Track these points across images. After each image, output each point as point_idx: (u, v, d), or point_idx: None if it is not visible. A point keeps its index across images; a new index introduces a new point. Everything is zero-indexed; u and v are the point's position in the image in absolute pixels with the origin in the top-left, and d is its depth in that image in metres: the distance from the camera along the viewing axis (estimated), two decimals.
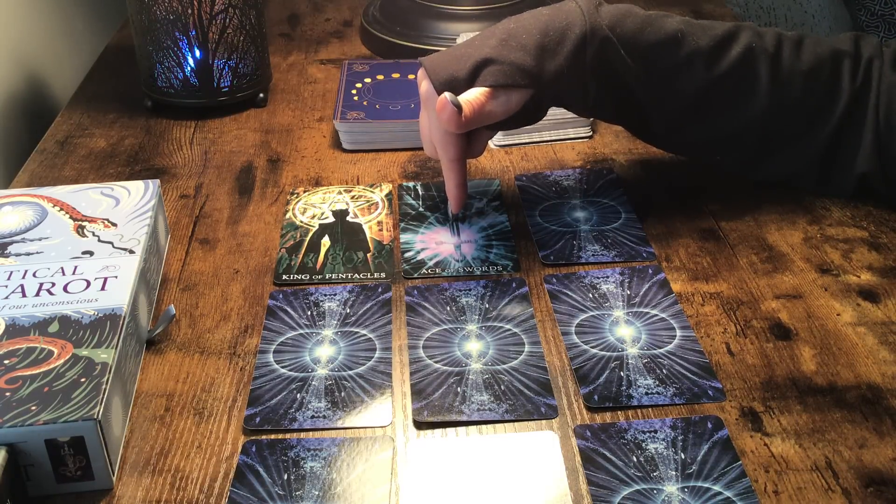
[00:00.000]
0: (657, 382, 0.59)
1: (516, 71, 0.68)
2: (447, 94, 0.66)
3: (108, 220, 0.69)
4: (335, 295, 0.68)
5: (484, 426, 0.57)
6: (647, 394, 0.59)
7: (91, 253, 0.65)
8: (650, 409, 0.58)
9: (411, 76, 0.97)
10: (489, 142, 0.90)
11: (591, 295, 0.68)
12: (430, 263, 0.72)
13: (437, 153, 0.72)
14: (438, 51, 0.92)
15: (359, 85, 0.95)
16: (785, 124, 0.74)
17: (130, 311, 0.60)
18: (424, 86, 0.70)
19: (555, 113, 0.88)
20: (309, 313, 0.67)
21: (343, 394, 0.59)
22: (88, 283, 0.62)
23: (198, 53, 0.93)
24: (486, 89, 0.68)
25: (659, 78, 0.71)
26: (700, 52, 0.71)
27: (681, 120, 0.73)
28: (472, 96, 0.67)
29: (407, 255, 0.73)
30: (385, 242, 0.74)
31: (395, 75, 0.98)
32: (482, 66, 0.68)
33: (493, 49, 0.69)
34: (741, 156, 0.76)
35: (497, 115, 0.69)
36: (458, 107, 0.66)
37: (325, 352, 0.63)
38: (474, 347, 0.63)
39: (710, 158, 0.78)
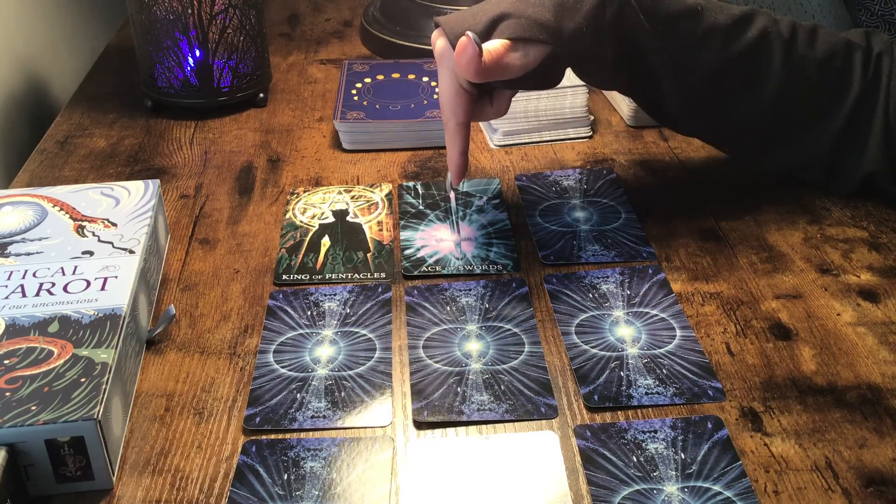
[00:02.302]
0: (657, 382, 0.59)
1: (535, 25, 0.66)
2: (469, 33, 0.64)
3: (108, 220, 0.69)
4: (335, 295, 0.68)
5: (484, 426, 0.57)
6: (647, 394, 0.59)
7: (91, 253, 0.65)
8: (650, 409, 0.58)
9: (411, 76, 0.97)
10: (489, 142, 0.90)
11: (591, 295, 0.68)
12: (430, 261, 0.72)
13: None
14: None
15: (359, 85, 0.95)
16: (796, 112, 0.74)
17: (130, 311, 0.60)
18: (440, 43, 0.68)
19: (555, 113, 0.88)
20: (309, 313, 0.67)
21: (343, 394, 0.59)
22: (88, 283, 0.62)
23: (198, 53, 0.93)
24: (506, 41, 0.66)
25: (676, 50, 0.70)
26: (718, 29, 0.71)
27: (694, 99, 0.73)
28: (492, 46, 0.65)
29: (407, 252, 0.73)
30: (385, 242, 0.74)
31: (395, 75, 0.98)
32: (499, 20, 0.67)
33: (511, 5, 0.67)
34: (751, 143, 0.76)
35: (515, 69, 0.67)
36: (480, 47, 0.64)
37: (325, 352, 0.63)
38: (474, 347, 0.63)
39: (721, 145, 0.78)
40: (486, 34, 0.67)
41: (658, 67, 0.71)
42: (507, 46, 0.66)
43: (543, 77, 0.71)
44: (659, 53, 0.70)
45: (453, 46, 0.66)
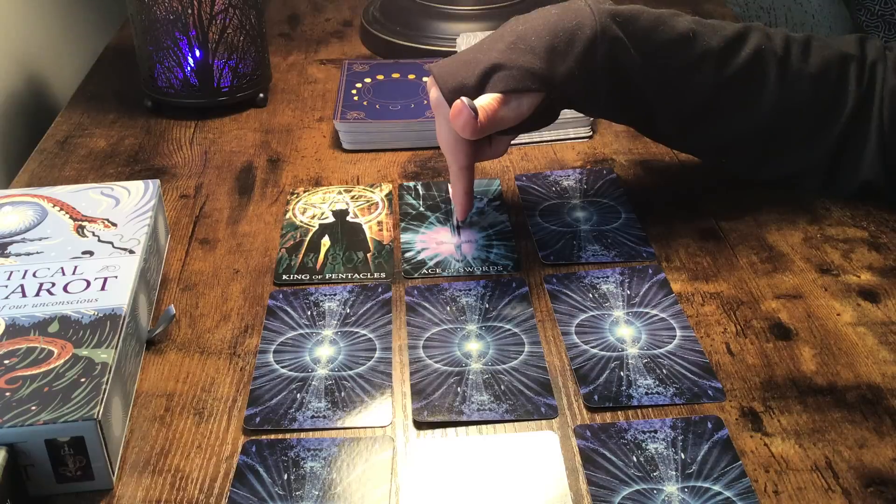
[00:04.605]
0: (657, 382, 0.59)
1: (526, 75, 0.67)
2: (464, 99, 0.65)
3: (108, 220, 0.69)
4: (335, 295, 0.68)
5: (484, 426, 0.57)
6: (647, 394, 0.59)
7: (91, 253, 0.65)
8: (650, 409, 0.58)
9: (411, 76, 0.97)
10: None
11: (591, 295, 0.68)
12: (431, 263, 0.72)
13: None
14: (440, 51, 0.92)
15: (359, 85, 0.95)
16: (792, 127, 0.74)
17: (130, 311, 0.60)
18: (434, 93, 0.69)
19: None
20: (309, 313, 0.67)
21: (343, 394, 0.59)
22: (88, 283, 0.62)
23: (198, 53, 0.93)
24: (499, 95, 0.67)
25: (669, 77, 0.71)
26: (711, 53, 0.71)
27: (689, 120, 0.73)
28: (485, 102, 0.66)
29: (407, 254, 0.73)
30: (385, 242, 0.74)
31: (395, 75, 0.98)
32: (491, 72, 0.67)
33: (502, 53, 0.68)
34: (746, 157, 0.76)
35: (509, 120, 0.68)
36: (475, 111, 0.65)
37: (325, 352, 0.63)
38: (474, 347, 0.63)
39: (716, 160, 0.78)
40: (478, 87, 0.68)
41: (652, 95, 0.71)
42: (501, 101, 0.67)
43: (538, 119, 0.72)
44: (653, 83, 0.70)
45: (447, 100, 0.67)
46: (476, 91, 0.67)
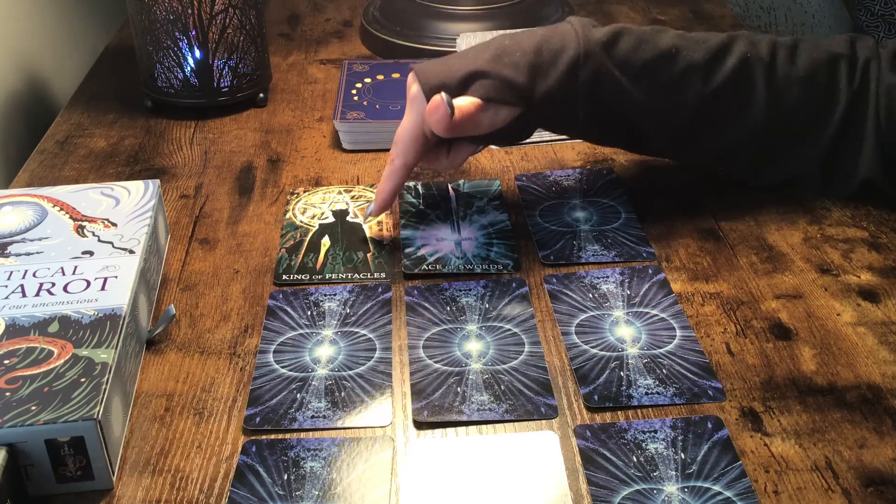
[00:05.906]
0: (657, 382, 0.59)
1: (507, 87, 0.68)
2: (443, 94, 0.66)
3: (108, 220, 0.69)
4: (335, 295, 0.68)
5: (484, 426, 0.57)
6: (647, 394, 0.59)
7: (91, 253, 0.65)
8: (650, 409, 0.58)
9: None
10: None
11: (591, 295, 0.68)
12: (431, 259, 0.72)
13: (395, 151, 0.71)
14: (440, 51, 0.93)
15: (359, 85, 0.95)
16: (784, 131, 0.74)
17: (130, 311, 0.60)
18: (414, 89, 0.70)
19: None
20: (309, 313, 0.67)
21: (343, 394, 0.59)
22: (88, 283, 0.62)
23: (198, 53, 0.93)
24: (477, 99, 0.68)
25: (655, 95, 0.71)
26: (695, 67, 0.71)
27: (680, 134, 0.73)
28: (464, 103, 0.67)
29: (407, 251, 0.73)
30: (385, 242, 0.74)
31: (395, 75, 0.98)
32: (474, 77, 0.68)
33: (486, 62, 0.69)
34: (741, 164, 0.76)
35: (483, 126, 0.69)
36: (452, 108, 0.66)
37: (325, 352, 0.63)
38: (474, 347, 0.63)
39: (711, 168, 0.78)
40: (459, 89, 0.68)
41: (639, 114, 0.72)
42: (478, 106, 0.68)
43: (511, 135, 0.72)
44: (639, 102, 0.71)
45: (426, 96, 0.68)
46: (456, 93, 0.68)
